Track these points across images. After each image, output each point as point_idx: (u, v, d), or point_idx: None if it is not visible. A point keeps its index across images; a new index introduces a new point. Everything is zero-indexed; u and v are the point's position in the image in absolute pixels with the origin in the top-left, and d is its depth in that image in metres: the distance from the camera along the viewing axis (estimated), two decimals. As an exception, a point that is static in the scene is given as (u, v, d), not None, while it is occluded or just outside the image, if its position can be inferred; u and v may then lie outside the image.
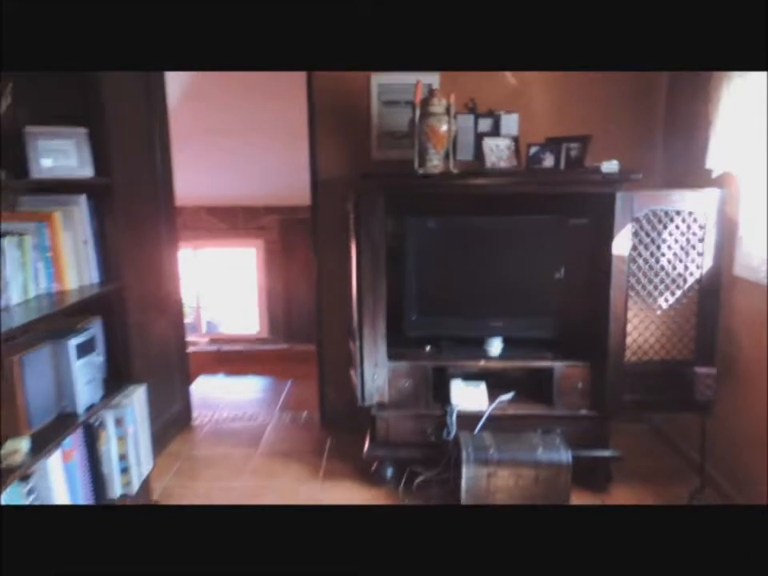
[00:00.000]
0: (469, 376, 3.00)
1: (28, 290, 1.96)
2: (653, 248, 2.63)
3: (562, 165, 2.85)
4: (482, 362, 2.87)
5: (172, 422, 3.54)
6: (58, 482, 2.04)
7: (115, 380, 2.39)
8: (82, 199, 2.20)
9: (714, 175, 2.57)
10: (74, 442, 2.11)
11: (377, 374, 2.82)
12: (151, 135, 3.26)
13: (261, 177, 5.10)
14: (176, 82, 4.04)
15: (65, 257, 2.11)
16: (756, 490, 2.51)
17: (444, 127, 2.73)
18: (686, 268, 2.64)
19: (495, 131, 3.14)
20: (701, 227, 2.60)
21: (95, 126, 2.20)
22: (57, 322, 2.10)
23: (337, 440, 3.46)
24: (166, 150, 3.40)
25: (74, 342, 2.07)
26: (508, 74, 3.16)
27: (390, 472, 2.95)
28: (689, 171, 2.91)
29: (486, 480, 2.59)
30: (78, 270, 2.19)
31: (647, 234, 2.62)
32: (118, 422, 2.28)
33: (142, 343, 2.81)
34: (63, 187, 2.17)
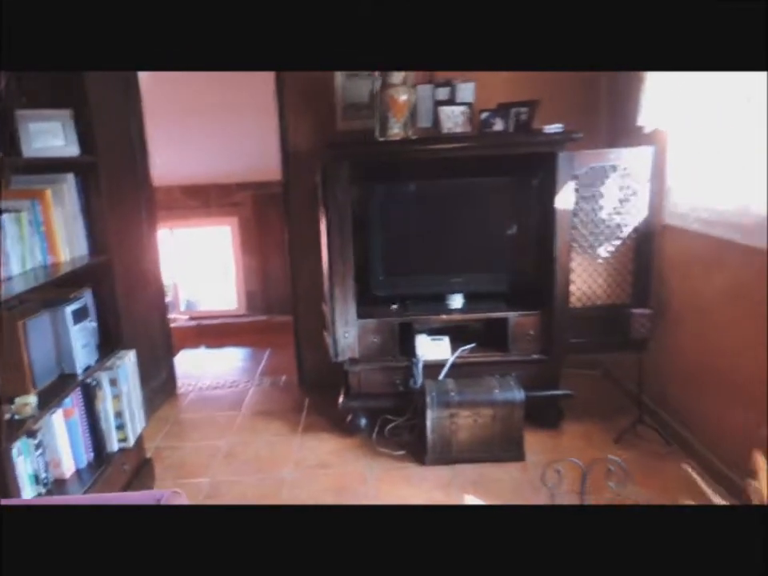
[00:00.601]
0: (433, 331, 3.27)
1: (26, 262, 2.15)
2: (593, 202, 2.91)
3: (511, 128, 3.07)
4: (444, 316, 3.14)
5: (158, 390, 3.76)
6: (62, 437, 2.27)
7: (107, 345, 2.60)
8: (70, 177, 2.39)
9: (646, 131, 2.83)
10: (74, 400, 2.34)
11: (348, 332, 3.08)
12: (127, 116, 3.43)
13: (232, 154, 5.23)
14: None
15: (57, 231, 2.30)
16: (687, 418, 2.83)
17: (403, 97, 2.95)
18: (623, 219, 2.92)
19: (452, 99, 3.31)
20: (635, 181, 2.88)
21: (79, 107, 2.38)
22: (51, 292, 2.30)
23: (314, 399, 3.72)
24: (141, 131, 3.57)
25: (69, 309, 2.28)
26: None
27: (363, 422, 3.22)
28: (628, 131, 3.17)
29: (449, 420, 2.88)
30: (70, 243, 2.38)
31: (587, 189, 2.89)
32: (113, 383, 2.50)
33: (129, 314, 3.01)
34: (51, 167, 2.36)
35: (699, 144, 2.66)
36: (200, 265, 6.27)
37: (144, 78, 3.62)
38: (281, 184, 3.74)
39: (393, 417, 3.18)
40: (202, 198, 5.69)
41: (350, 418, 3.23)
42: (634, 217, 2.92)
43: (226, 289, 6.16)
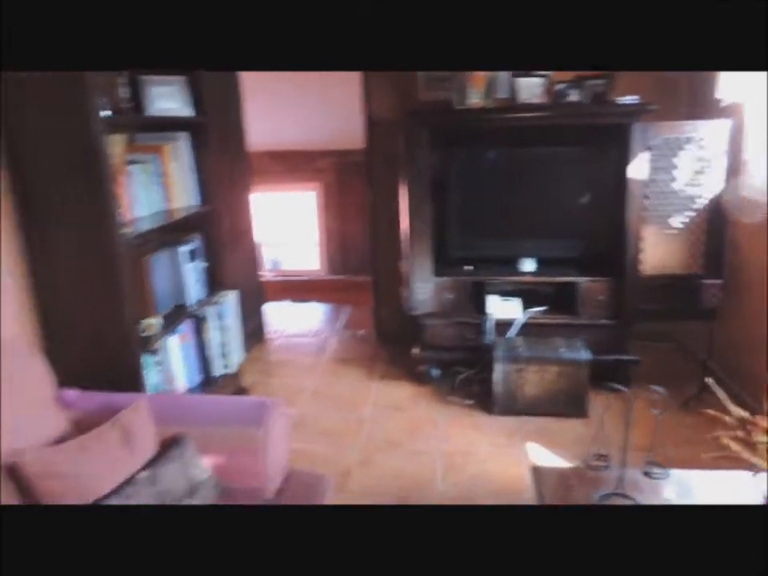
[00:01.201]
0: (505, 293, 3.44)
1: (151, 206, 2.51)
2: (667, 173, 2.98)
3: (587, 100, 3.14)
4: (515, 278, 3.32)
5: (250, 336, 4.11)
6: (177, 358, 2.63)
7: (213, 285, 2.95)
8: (185, 135, 2.73)
9: (724, 104, 2.87)
10: (186, 328, 2.70)
11: (424, 288, 3.31)
12: (229, 84, 3.75)
13: (317, 122, 5.50)
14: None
15: (173, 182, 2.65)
16: (757, 387, 2.89)
17: (483, 69, 3.10)
18: (698, 191, 2.99)
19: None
20: (711, 154, 2.93)
21: (193, 74, 2.70)
22: (169, 234, 2.65)
23: (390, 351, 4.00)
24: (238, 98, 3.90)
25: (184, 249, 2.63)
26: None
27: (435, 372, 3.47)
28: (707, 104, 3.20)
29: (517, 374, 3.07)
30: (184, 193, 2.73)
31: (662, 160, 2.97)
32: (219, 316, 2.85)
33: (230, 260, 3.36)
34: (169, 125, 2.69)
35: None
36: (285, 228, 6.65)
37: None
38: (362, 152, 3.97)
39: (463, 369, 3.41)
40: (288, 164, 5.99)
41: (423, 368, 3.47)
42: (708, 189, 2.97)
43: (308, 251, 6.52)
